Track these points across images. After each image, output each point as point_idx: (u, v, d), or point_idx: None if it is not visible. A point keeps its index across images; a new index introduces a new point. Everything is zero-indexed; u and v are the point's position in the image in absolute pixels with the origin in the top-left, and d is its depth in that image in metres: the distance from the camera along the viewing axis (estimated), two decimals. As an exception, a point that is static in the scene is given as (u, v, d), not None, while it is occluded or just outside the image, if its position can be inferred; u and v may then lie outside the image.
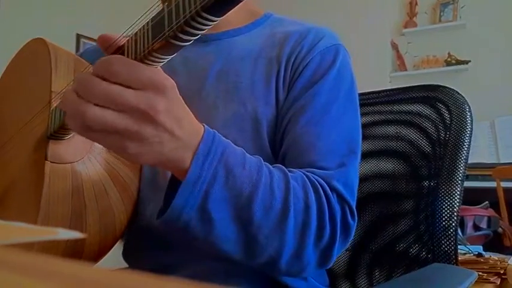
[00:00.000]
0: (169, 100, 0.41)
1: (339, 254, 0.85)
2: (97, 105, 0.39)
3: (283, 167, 0.54)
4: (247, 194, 0.48)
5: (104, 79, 0.40)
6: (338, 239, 0.54)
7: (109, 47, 0.44)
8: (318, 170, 0.56)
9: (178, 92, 0.43)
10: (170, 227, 0.49)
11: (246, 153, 0.51)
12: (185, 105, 0.45)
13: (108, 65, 0.40)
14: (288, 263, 0.53)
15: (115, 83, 0.39)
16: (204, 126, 0.48)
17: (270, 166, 0.53)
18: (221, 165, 0.47)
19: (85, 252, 0.54)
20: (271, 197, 0.50)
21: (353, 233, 0.57)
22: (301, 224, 0.51)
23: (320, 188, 0.53)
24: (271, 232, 0.50)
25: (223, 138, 0.50)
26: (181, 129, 0.43)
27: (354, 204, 0.57)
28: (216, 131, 0.49)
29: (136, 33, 0.41)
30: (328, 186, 0.55)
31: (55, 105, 0.52)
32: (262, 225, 0.49)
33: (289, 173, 0.53)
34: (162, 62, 0.41)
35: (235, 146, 0.51)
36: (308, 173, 0.55)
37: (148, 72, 0.40)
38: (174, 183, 0.49)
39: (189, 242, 0.53)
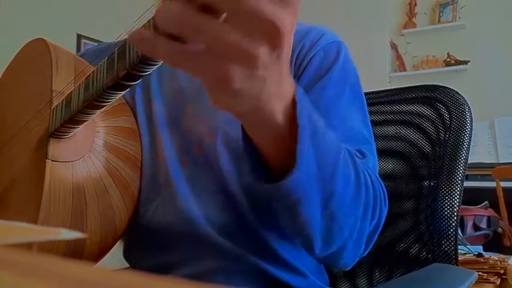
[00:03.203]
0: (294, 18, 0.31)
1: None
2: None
3: None
4: (332, 161, 0.43)
5: None
6: (382, 224, 0.51)
7: None
8: None
9: None
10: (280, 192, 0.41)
11: None
12: None
13: None
14: (350, 250, 0.50)
15: None
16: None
17: None
18: (313, 121, 0.41)
19: (85, 251, 0.53)
20: (347, 168, 0.44)
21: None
22: (364, 202, 0.47)
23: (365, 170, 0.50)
24: (349, 208, 0.46)
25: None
26: (286, 71, 0.35)
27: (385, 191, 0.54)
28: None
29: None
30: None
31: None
32: (344, 198, 0.44)
33: None
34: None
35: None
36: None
37: None
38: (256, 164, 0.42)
39: (190, 241, 0.52)
